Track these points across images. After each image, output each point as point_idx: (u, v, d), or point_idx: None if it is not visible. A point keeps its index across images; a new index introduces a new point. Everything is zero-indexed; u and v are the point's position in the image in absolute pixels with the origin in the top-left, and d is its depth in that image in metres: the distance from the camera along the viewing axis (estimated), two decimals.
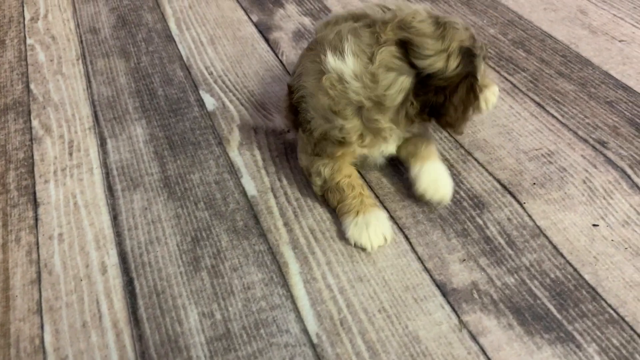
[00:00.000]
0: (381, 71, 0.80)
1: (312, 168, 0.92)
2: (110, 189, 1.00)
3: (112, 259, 0.88)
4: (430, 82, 0.80)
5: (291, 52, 1.34)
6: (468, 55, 0.81)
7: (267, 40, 1.39)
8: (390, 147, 0.94)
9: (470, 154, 1.04)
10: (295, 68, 1.00)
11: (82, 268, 0.87)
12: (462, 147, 1.05)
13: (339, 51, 0.82)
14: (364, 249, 0.87)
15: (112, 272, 0.86)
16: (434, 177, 0.91)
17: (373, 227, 0.86)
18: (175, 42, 1.39)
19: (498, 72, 1.24)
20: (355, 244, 0.87)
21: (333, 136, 0.87)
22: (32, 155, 1.08)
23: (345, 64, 0.81)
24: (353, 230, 0.87)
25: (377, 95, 0.81)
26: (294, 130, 1.02)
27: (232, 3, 1.56)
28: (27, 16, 1.53)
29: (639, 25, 1.37)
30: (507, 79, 1.22)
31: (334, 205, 0.92)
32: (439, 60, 0.79)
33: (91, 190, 1.00)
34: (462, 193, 0.96)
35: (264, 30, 1.43)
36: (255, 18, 1.48)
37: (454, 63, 0.79)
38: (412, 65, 0.80)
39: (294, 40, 1.39)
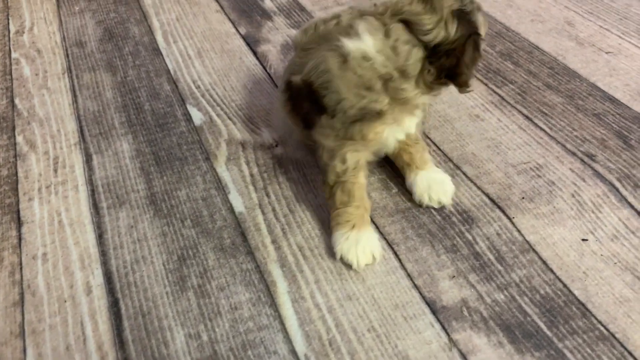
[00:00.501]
0: (399, 44, 0.86)
1: (338, 152, 0.91)
2: (95, 207, 0.98)
3: (97, 279, 0.87)
4: (440, 49, 0.86)
5: (279, 65, 1.33)
6: (461, 16, 0.87)
7: (255, 53, 1.39)
8: (399, 134, 0.95)
9: (458, 167, 1.03)
10: (287, 72, 1.00)
11: (66, 289, 0.85)
12: (450, 160, 1.05)
13: (352, 34, 0.87)
14: (349, 266, 0.86)
15: (97, 293, 0.85)
16: (428, 184, 0.95)
17: (362, 245, 0.86)
18: (162, 55, 1.38)
19: (486, 84, 1.24)
20: (341, 259, 0.87)
21: (371, 108, 0.88)
22: (16, 172, 1.06)
23: (364, 43, 0.86)
24: (343, 245, 0.86)
25: (402, 65, 0.86)
26: (298, 127, 1.01)
27: (220, 16, 1.55)
28: (12, 29, 1.52)
29: (625, 36, 1.38)
30: (495, 92, 1.22)
31: (334, 207, 0.90)
32: (439, 30, 0.85)
33: (76, 207, 0.98)
34: (451, 208, 0.95)
35: (252, 43, 1.42)
36: (243, 31, 1.48)
37: (452, 28, 0.86)
38: (420, 40, 0.87)
39: (282, 53, 1.38)
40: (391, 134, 0.93)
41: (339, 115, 0.89)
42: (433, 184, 0.96)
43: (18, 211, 0.98)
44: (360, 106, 0.88)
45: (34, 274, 0.88)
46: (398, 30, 0.86)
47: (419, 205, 0.96)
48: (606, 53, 1.32)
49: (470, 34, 0.87)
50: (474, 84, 1.25)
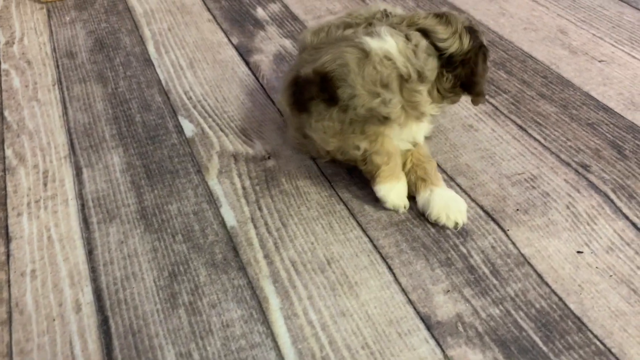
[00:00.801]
0: (419, 48, 0.92)
1: (347, 144, 0.96)
2: (85, 222, 0.97)
3: (87, 296, 0.85)
4: (454, 59, 0.94)
5: (272, 75, 1.33)
6: (473, 31, 0.95)
7: (247, 63, 1.38)
8: (405, 142, 0.99)
9: (453, 179, 1.03)
10: (293, 69, 1.03)
11: (55, 307, 0.84)
12: (444, 172, 1.04)
13: (374, 35, 0.93)
14: (391, 207, 0.96)
15: (86, 311, 0.83)
16: (445, 202, 0.94)
17: (404, 193, 0.97)
18: (153, 66, 1.37)
19: None
20: (393, 206, 0.96)
21: (379, 112, 0.91)
22: (5, 187, 1.05)
23: (387, 43, 0.91)
24: (392, 196, 0.95)
25: (421, 67, 0.91)
26: (297, 120, 1.01)
27: (212, 25, 1.54)
28: (2, 40, 1.50)
29: (618, 45, 1.38)
30: (488, 101, 1.21)
31: (377, 168, 0.95)
32: (454, 41, 0.93)
33: (66, 223, 0.97)
34: None
35: (244, 53, 1.42)
36: (235, 40, 1.47)
37: (466, 40, 0.94)
38: (436, 48, 0.94)
39: (275, 63, 1.37)
40: (396, 137, 0.96)
41: (350, 111, 0.91)
42: (450, 202, 0.93)
43: (7, 227, 0.97)
44: (370, 107, 0.90)
45: (22, 292, 0.86)
46: (418, 36, 0.93)
47: (434, 223, 0.94)
48: (599, 61, 1.32)
49: (479, 46, 0.95)
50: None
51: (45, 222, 0.97)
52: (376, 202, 0.98)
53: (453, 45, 0.93)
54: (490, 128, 1.14)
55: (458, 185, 1.01)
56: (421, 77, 0.92)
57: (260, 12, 1.60)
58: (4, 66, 1.39)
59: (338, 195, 1.00)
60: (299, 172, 1.05)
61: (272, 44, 1.45)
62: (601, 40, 1.40)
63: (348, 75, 0.90)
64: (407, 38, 0.93)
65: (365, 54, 0.91)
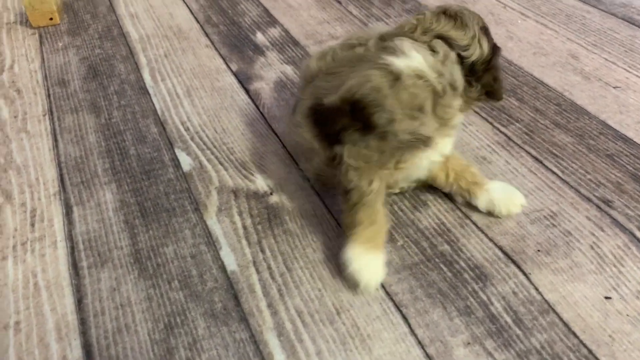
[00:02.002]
0: (447, 59, 0.87)
1: (366, 172, 0.86)
2: (75, 266, 0.90)
3: (75, 351, 0.78)
4: (476, 67, 0.89)
5: (273, 104, 1.27)
6: (487, 32, 0.91)
7: (247, 91, 1.32)
8: (435, 156, 0.92)
9: (467, 216, 0.96)
10: (309, 97, 0.95)
11: None
12: (458, 209, 0.98)
13: (397, 52, 0.86)
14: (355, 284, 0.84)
15: None
16: (506, 195, 0.95)
17: (373, 268, 0.85)
18: (149, 94, 1.31)
19: (491, 123, 1.18)
20: (351, 276, 0.84)
21: (419, 135, 0.85)
22: None
23: (415, 60, 0.85)
24: (355, 263, 0.84)
25: (453, 79, 0.87)
26: (322, 150, 0.93)
27: (210, 51, 1.49)
28: None
29: (631, 69, 1.33)
30: (501, 131, 1.16)
31: (351, 226, 0.86)
32: (475, 48, 0.89)
33: (54, 267, 0.90)
34: (462, 263, 0.88)
35: (243, 80, 1.36)
36: (234, 67, 1.41)
37: (485, 45, 0.90)
38: (458, 56, 0.89)
39: (276, 91, 1.32)
40: (425, 158, 0.91)
41: (390, 137, 0.85)
42: (508, 193, 0.95)
43: None
44: (412, 130, 0.85)
45: (4, 347, 0.79)
46: (442, 46, 0.88)
47: (497, 216, 0.95)
48: (614, 88, 1.27)
49: (493, 47, 0.91)
50: (478, 122, 1.19)
51: (32, 267, 0.91)
52: (386, 242, 0.92)
53: (475, 52, 0.89)
54: (505, 160, 1.08)
55: (473, 222, 0.95)
56: (454, 90, 0.88)
57: (259, 37, 1.55)
58: None
59: (345, 234, 0.94)
60: (303, 210, 0.99)
61: (272, 71, 1.40)
62: (614, 65, 1.35)
63: (384, 100, 0.83)
64: (432, 49, 0.88)
65: (396, 76, 0.84)
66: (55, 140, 1.18)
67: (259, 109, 1.26)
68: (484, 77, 0.91)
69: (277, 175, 1.07)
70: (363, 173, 0.86)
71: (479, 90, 0.92)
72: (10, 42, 1.55)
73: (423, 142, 0.86)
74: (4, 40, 1.56)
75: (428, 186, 1.01)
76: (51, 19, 1.61)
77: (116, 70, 1.41)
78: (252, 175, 1.07)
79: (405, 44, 0.88)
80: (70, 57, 1.48)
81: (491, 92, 0.93)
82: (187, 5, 1.73)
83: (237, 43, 1.52)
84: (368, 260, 0.84)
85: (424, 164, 0.92)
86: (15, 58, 1.48)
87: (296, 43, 1.52)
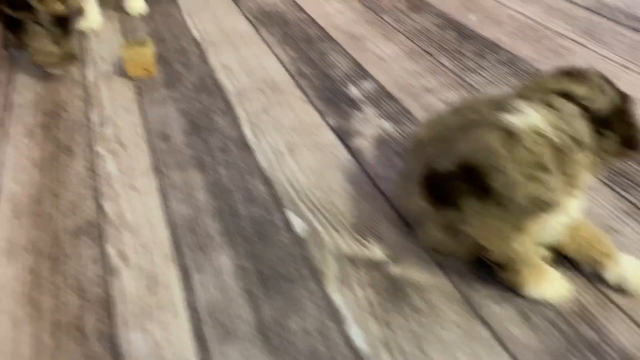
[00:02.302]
0: (567, 114, 0.83)
1: (508, 246, 0.87)
2: (200, 338, 0.88)
3: None
4: (605, 116, 0.85)
5: (376, 162, 1.24)
6: (609, 80, 0.88)
7: (348, 147, 1.31)
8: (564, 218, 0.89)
9: (607, 296, 0.90)
10: (422, 166, 0.94)
11: None
12: (596, 287, 0.92)
13: (511, 111, 0.84)
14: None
15: None
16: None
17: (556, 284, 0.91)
18: (252, 151, 1.31)
19: (612, 188, 1.12)
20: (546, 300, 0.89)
21: (543, 198, 0.81)
22: (108, 291, 0.98)
23: (531, 116, 0.82)
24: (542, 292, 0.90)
25: (575, 132, 0.83)
26: (442, 215, 0.92)
27: (305, 105, 1.48)
28: (93, 119, 1.47)
29: None
30: (624, 197, 1.10)
31: (519, 278, 0.90)
32: (598, 95, 0.85)
33: (177, 339, 0.89)
34: (610, 353, 0.82)
35: (343, 137, 1.35)
36: (332, 122, 1.40)
37: (610, 91, 0.86)
38: (582, 108, 0.84)
39: (377, 148, 1.30)
40: (551, 223, 0.87)
41: (506, 202, 0.81)
42: None
43: (115, 343, 0.89)
44: (531, 194, 0.80)
45: None
46: (559, 100, 0.84)
47: (630, 293, 0.90)
48: None
49: (621, 94, 0.87)
50: (598, 187, 1.13)
51: (157, 339, 0.89)
52: (522, 319, 0.87)
53: (598, 100, 0.85)
54: (635, 231, 1.02)
55: (615, 303, 0.89)
56: (579, 144, 0.83)
57: (353, 91, 1.54)
58: (98, 149, 1.35)
59: (475, 311, 0.89)
60: (428, 284, 0.95)
61: (370, 126, 1.38)
62: None
63: (496, 160, 0.81)
64: (549, 105, 0.84)
65: (510, 133, 0.81)
66: (164, 198, 1.18)
67: (363, 168, 1.24)
68: (619, 126, 0.87)
69: (392, 241, 1.04)
70: (496, 240, 0.85)
71: (614, 139, 0.87)
72: (109, 94, 1.59)
73: (546, 207, 0.82)
74: (103, 92, 1.60)
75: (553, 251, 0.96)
76: (147, 69, 1.65)
77: (216, 125, 1.42)
78: (367, 240, 1.04)
79: (519, 102, 0.85)
80: (167, 108, 1.49)
81: (629, 142, 0.88)
82: (277, 56, 1.75)
83: (331, 97, 1.52)
84: (549, 285, 0.90)
85: (549, 230, 0.88)
86: (116, 110, 1.51)
87: (390, 96, 1.50)
